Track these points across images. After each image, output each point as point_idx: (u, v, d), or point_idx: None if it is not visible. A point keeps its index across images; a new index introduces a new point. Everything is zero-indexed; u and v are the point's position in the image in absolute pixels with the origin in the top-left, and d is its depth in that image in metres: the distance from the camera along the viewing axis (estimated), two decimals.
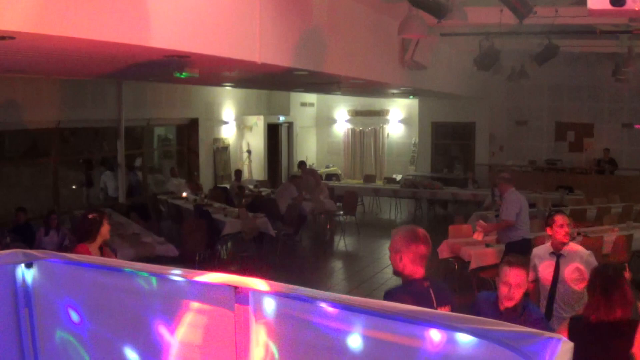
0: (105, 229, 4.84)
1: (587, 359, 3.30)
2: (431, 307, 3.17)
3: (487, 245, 8.31)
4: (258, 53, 6.26)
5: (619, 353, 3.32)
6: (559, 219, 4.72)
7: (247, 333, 2.23)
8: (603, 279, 3.44)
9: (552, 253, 4.74)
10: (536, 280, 4.87)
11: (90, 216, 4.86)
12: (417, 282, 3.26)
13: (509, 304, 3.56)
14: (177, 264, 7.67)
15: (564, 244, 4.71)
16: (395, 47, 9.96)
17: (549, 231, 4.79)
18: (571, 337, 3.36)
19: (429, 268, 3.50)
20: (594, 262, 4.62)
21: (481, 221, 7.71)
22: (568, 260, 4.64)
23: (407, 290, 3.25)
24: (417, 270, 3.27)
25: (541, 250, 4.91)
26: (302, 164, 14.73)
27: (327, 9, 7.68)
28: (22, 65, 6.96)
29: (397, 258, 3.27)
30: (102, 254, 4.82)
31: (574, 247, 4.81)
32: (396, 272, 3.34)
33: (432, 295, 3.25)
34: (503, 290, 3.57)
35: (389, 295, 3.26)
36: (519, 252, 7.37)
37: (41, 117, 10.85)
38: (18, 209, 9.22)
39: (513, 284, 3.54)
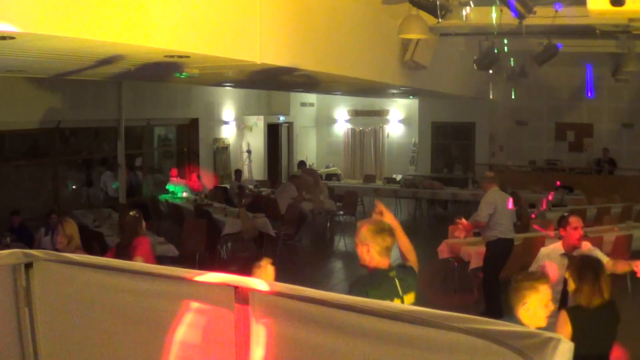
0: (144, 224, 5.34)
1: (594, 343, 3.55)
2: (397, 295, 3.32)
3: None
4: (258, 53, 6.26)
5: (615, 330, 3.71)
6: (574, 221, 4.66)
7: (247, 333, 2.23)
8: (592, 268, 3.72)
9: (564, 254, 4.67)
10: None
11: (132, 214, 5.32)
12: (383, 273, 3.38)
13: None
14: (177, 264, 7.67)
15: (577, 247, 4.66)
16: (395, 47, 9.96)
17: (562, 232, 4.74)
18: (576, 327, 3.47)
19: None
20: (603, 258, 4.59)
21: (463, 219, 7.77)
22: None
23: (373, 280, 3.37)
24: (383, 262, 3.39)
25: (551, 251, 4.82)
26: (302, 163, 14.73)
27: (327, 8, 7.68)
28: (22, 65, 6.96)
29: (364, 250, 3.39)
30: None
31: (585, 246, 4.74)
32: (363, 264, 3.45)
33: (397, 284, 3.38)
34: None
35: (355, 285, 3.41)
36: (497, 251, 7.45)
37: (41, 117, 10.85)
38: (12, 212, 9.11)
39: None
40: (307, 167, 15.17)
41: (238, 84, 13.25)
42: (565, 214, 4.95)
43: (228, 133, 16.54)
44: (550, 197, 11.87)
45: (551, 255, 4.76)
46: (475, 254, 8.02)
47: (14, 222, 8.98)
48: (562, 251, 4.72)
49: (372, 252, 3.38)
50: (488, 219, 7.29)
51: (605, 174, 15.80)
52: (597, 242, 8.01)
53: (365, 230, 3.43)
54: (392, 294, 3.31)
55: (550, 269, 4.73)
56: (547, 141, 17.26)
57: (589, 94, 13.43)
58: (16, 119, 10.38)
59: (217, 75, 9.26)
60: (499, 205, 7.32)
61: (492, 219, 7.30)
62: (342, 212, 13.34)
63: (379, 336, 1.97)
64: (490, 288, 7.52)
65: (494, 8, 8.14)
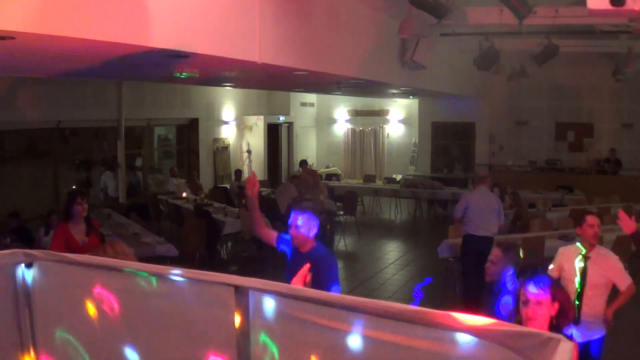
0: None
1: None
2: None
3: None
4: (258, 53, 6.26)
5: None
6: (589, 219, 4.69)
7: (247, 333, 2.23)
8: None
9: (583, 255, 4.68)
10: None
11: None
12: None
13: None
14: (177, 264, 7.66)
15: (592, 245, 4.67)
16: (395, 47, 9.96)
17: (578, 231, 4.77)
18: None
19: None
20: (619, 268, 4.60)
21: None
22: (595, 263, 4.59)
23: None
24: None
25: (569, 250, 4.85)
26: (303, 162, 14.69)
27: (327, 9, 7.67)
28: (22, 65, 6.96)
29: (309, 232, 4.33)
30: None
31: (603, 250, 4.77)
32: (302, 246, 4.33)
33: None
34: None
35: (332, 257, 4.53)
36: (466, 246, 7.80)
37: (41, 117, 10.85)
38: (10, 214, 9.04)
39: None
40: (308, 167, 15.13)
41: (238, 84, 13.26)
42: (585, 212, 5.00)
43: (228, 133, 16.54)
44: None
45: (570, 255, 4.77)
46: None
47: (12, 223, 8.92)
48: (582, 252, 4.71)
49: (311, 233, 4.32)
50: (461, 215, 7.75)
51: (609, 174, 15.76)
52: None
53: (313, 220, 4.33)
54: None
55: (568, 269, 4.67)
56: (547, 141, 17.27)
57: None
58: (16, 119, 10.38)
59: (217, 76, 9.26)
60: (471, 203, 7.69)
61: (467, 215, 7.70)
62: (342, 212, 13.33)
63: (378, 336, 1.97)
64: (465, 284, 7.69)
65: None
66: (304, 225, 4.28)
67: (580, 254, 4.68)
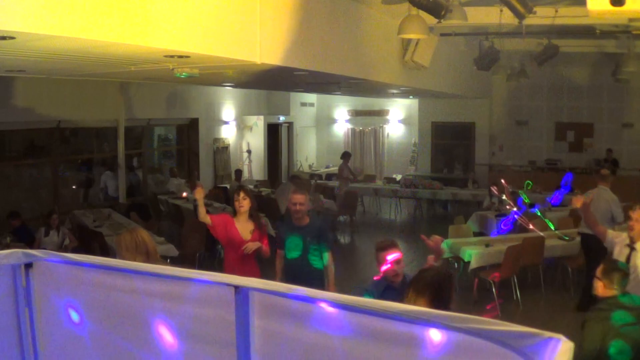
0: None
1: None
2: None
3: (487, 246, 8.33)
4: (258, 53, 6.26)
5: None
6: (634, 213, 4.82)
7: (247, 333, 2.23)
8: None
9: (627, 245, 4.83)
10: None
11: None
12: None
13: None
14: (177, 264, 7.65)
15: (631, 236, 4.80)
16: (395, 47, 9.96)
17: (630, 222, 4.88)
18: None
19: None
20: None
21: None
22: (638, 252, 4.71)
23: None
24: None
25: (619, 238, 5.00)
26: (346, 154, 14.69)
27: (327, 8, 7.67)
28: (22, 65, 6.95)
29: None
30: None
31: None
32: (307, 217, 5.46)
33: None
34: None
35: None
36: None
37: (41, 117, 10.85)
38: (10, 214, 8.96)
39: None
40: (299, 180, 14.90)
41: (238, 84, 13.25)
42: (636, 206, 5.05)
43: (228, 133, 16.54)
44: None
45: (619, 243, 4.93)
46: (475, 254, 8.03)
47: (14, 224, 8.90)
48: (627, 241, 4.87)
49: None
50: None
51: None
52: None
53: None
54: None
55: (615, 257, 4.79)
56: (547, 141, 17.26)
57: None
58: (16, 119, 10.38)
59: (217, 76, 9.25)
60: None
61: None
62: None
63: (378, 336, 1.97)
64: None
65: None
66: (304, 203, 5.41)
67: (627, 245, 4.84)
